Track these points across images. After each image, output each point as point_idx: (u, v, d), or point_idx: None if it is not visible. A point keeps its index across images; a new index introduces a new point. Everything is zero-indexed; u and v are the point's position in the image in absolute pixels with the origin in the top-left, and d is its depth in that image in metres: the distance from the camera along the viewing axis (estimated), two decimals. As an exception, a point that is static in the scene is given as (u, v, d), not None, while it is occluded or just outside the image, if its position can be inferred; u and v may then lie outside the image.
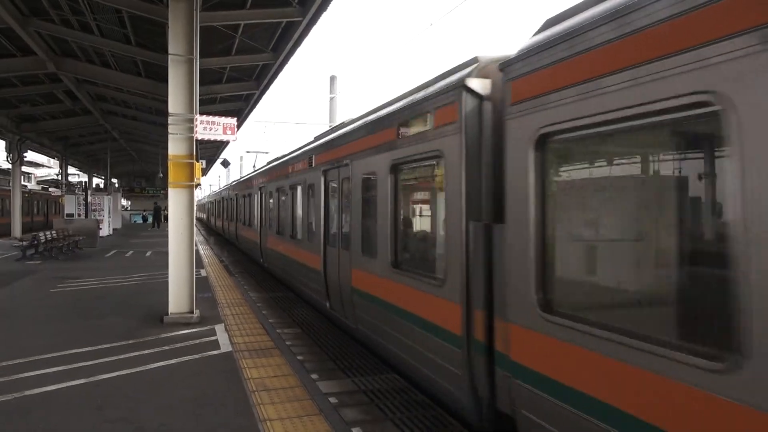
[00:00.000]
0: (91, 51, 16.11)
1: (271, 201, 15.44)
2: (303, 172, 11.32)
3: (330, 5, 11.77)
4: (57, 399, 5.42)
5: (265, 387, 5.77)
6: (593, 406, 3.34)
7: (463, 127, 4.85)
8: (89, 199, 30.64)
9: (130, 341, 7.57)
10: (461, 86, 4.84)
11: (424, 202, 6.61)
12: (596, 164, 4.00)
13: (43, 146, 31.18)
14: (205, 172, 48.57)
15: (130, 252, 21.42)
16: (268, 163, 17.99)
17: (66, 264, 17.13)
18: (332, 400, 5.77)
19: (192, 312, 9.03)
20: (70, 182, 40.14)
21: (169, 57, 9.04)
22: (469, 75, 4.88)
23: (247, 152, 27.63)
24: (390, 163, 6.49)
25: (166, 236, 9.42)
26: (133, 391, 5.63)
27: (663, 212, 3.39)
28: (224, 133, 9.27)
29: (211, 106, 20.28)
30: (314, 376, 6.66)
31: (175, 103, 9.00)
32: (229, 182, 35.46)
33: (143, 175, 51.92)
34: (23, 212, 30.18)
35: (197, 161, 9.20)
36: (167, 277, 9.11)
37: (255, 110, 23.65)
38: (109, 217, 32.28)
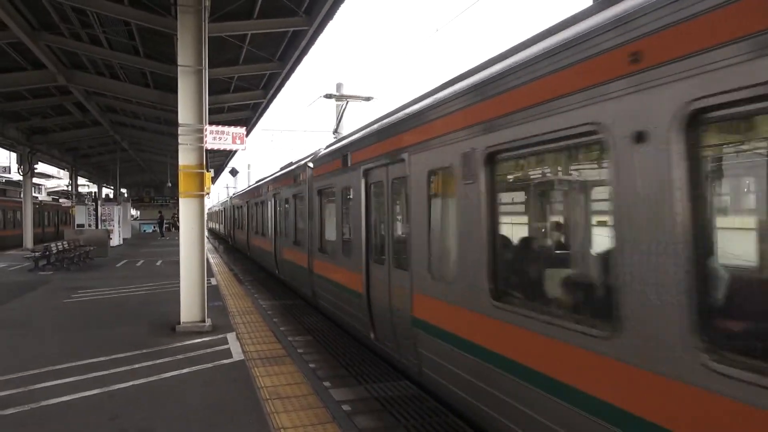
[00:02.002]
0: (101, 63, 16.29)
1: (252, 211, 22.88)
2: (264, 194, 18.86)
3: (336, 14, 11.85)
4: (72, 409, 5.45)
5: (279, 395, 5.79)
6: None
7: (308, 181, 11.95)
8: (99, 210, 30.89)
9: (143, 350, 7.61)
10: (305, 165, 11.97)
11: (296, 213, 13.36)
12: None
13: (54, 158, 31.49)
14: (213, 180, 46.15)
15: (141, 261, 21.54)
16: (243, 189, 32.21)
17: (77, 274, 17.26)
18: (345, 407, 5.77)
19: (204, 321, 9.07)
20: (80, 193, 40.49)
21: (179, 68, 9.12)
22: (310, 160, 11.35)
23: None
24: (294, 193, 13.56)
25: (176, 245, 9.47)
26: (147, 401, 5.66)
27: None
28: (233, 142, 9.33)
29: (219, 115, 20.40)
30: (327, 383, 6.67)
31: (184, 113, 9.08)
32: (227, 197, 47.79)
33: (152, 184, 52.28)
34: (35, 223, 30.45)
35: (207, 171, 9.27)
36: (178, 286, 9.17)
37: (262, 118, 23.90)
38: (119, 226, 32.51)
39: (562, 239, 4.48)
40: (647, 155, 3.07)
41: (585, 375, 3.49)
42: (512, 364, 4.24)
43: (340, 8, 11.45)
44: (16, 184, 41.62)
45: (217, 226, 49.96)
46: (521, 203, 4.91)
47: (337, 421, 5.07)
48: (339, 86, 25.65)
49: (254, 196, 22.21)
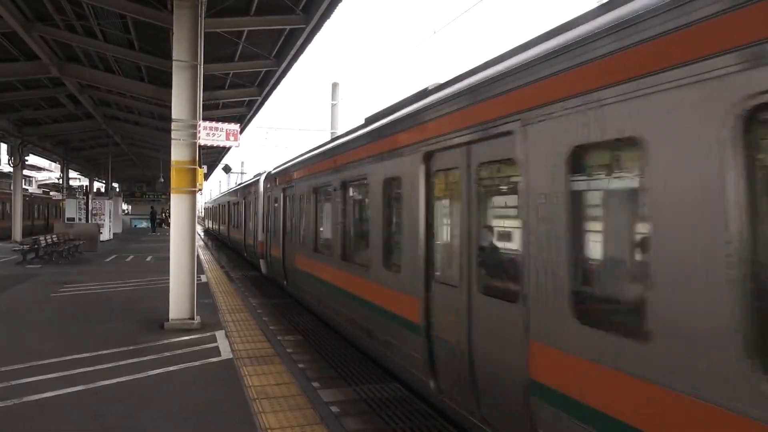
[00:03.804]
0: (95, 56, 16.13)
1: (232, 210, 27.37)
2: (240, 196, 24.03)
3: (334, 12, 11.79)
4: (56, 405, 5.37)
5: (267, 395, 5.73)
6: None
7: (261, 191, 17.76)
8: (90, 204, 30.62)
9: (131, 347, 7.52)
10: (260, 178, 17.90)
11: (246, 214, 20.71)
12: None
13: (45, 150, 31.18)
14: (206, 177, 44.75)
15: (131, 257, 21.38)
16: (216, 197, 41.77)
17: (66, 268, 17.09)
18: (334, 408, 5.73)
19: (193, 318, 8.99)
20: (71, 186, 40.14)
21: (174, 63, 9.04)
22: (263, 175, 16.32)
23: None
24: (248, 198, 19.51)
25: (167, 241, 9.39)
26: (133, 399, 5.59)
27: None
28: (227, 138, 9.27)
29: (213, 111, 20.29)
30: (315, 384, 6.62)
31: (178, 108, 9.00)
32: (215, 197, 48.15)
33: (144, 179, 51.91)
34: (24, 216, 30.15)
35: (200, 167, 9.20)
36: (168, 283, 9.09)
37: (257, 116, 23.88)
38: (110, 221, 32.24)
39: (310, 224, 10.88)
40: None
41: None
42: (298, 267, 11.29)
43: (338, 7, 11.42)
44: (6, 175, 41.17)
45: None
46: (322, 210, 10.26)
47: (325, 422, 5.02)
48: (335, 86, 25.60)
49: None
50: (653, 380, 2.77)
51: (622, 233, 3.51)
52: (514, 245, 4.31)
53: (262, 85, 18.39)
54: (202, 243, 31.69)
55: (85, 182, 48.43)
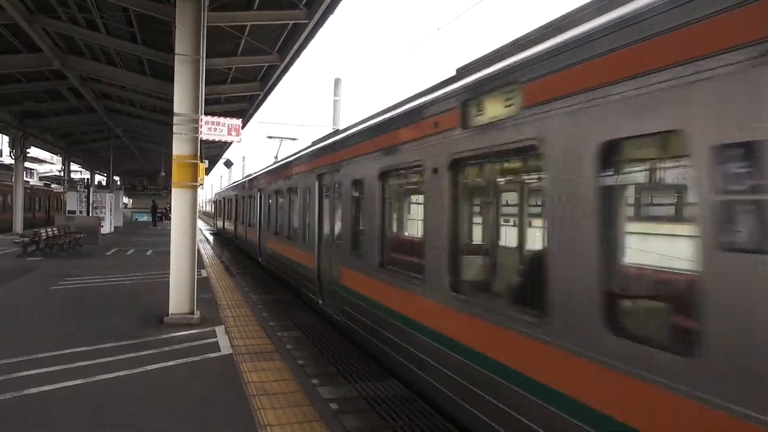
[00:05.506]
0: (97, 49, 16.11)
1: (229, 205, 30.88)
2: (233, 193, 28.46)
3: (337, 8, 11.75)
4: (54, 399, 5.36)
5: (266, 391, 5.72)
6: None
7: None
8: (91, 197, 30.61)
9: (130, 341, 7.51)
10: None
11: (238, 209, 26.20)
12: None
13: (46, 143, 31.17)
14: (207, 172, 44.26)
15: (131, 250, 21.38)
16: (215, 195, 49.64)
17: (66, 261, 17.09)
18: (333, 406, 5.72)
19: (193, 313, 8.97)
20: (72, 179, 40.13)
21: (176, 57, 9.00)
22: None
23: None
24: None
25: (167, 235, 9.37)
26: (132, 393, 5.58)
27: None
28: (229, 134, 9.23)
29: (215, 106, 20.26)
30: (315, 381, 6.61)
31: (180, 103, 8.96)
32: (219, 191, 49.55)
33: (145, 173, 51.91)
34: (25, 208, 30.15)
35: (201, 162, 9.16)
36: (168, 277, 9.06)
37: (259, 111, 23.92)
38: (111, 214, 32.24)
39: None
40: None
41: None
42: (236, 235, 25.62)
43: (341, 2, 11.37)
44: (8, 168, 41.14)
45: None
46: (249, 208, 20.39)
47: (324, 419, 5.01)
48: (337, 81, 25.54)
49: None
50: (364, 273, 7.44)
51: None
52: (328, 225, 9.60)
53: (264, 80, 18.35)
54: (201, 236, 31.67)
55: (87, 175, 48.44)
